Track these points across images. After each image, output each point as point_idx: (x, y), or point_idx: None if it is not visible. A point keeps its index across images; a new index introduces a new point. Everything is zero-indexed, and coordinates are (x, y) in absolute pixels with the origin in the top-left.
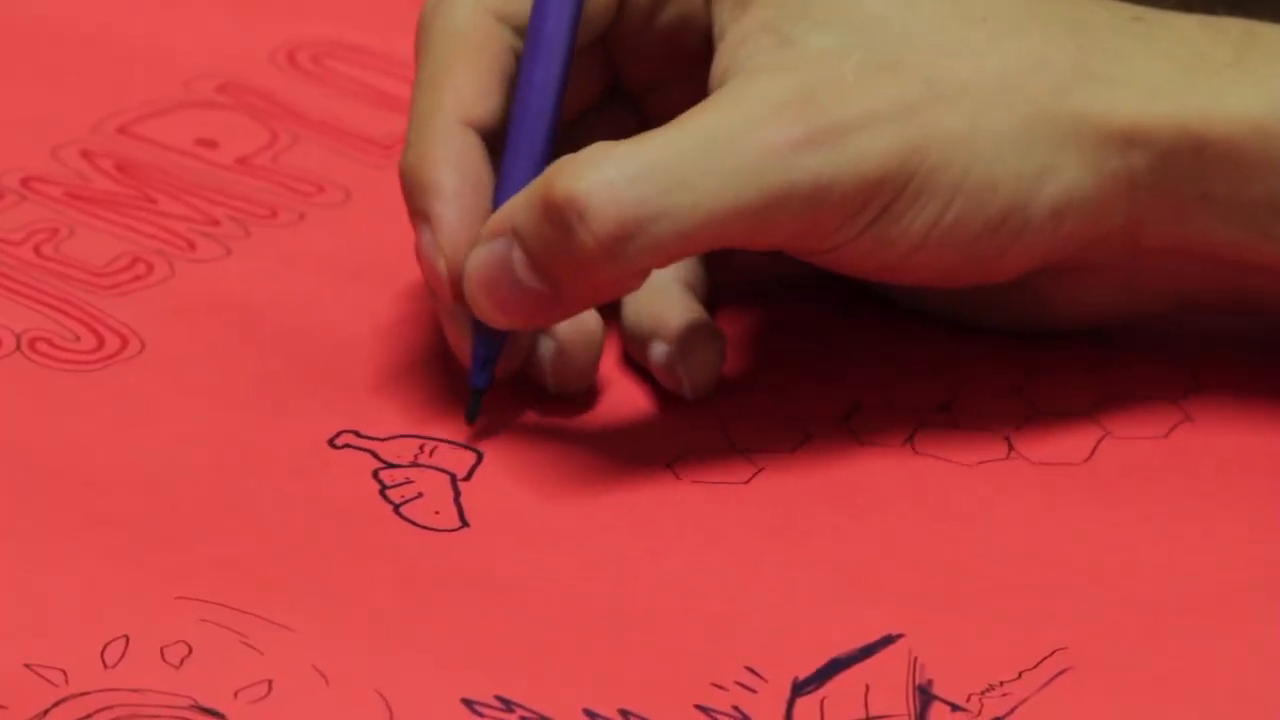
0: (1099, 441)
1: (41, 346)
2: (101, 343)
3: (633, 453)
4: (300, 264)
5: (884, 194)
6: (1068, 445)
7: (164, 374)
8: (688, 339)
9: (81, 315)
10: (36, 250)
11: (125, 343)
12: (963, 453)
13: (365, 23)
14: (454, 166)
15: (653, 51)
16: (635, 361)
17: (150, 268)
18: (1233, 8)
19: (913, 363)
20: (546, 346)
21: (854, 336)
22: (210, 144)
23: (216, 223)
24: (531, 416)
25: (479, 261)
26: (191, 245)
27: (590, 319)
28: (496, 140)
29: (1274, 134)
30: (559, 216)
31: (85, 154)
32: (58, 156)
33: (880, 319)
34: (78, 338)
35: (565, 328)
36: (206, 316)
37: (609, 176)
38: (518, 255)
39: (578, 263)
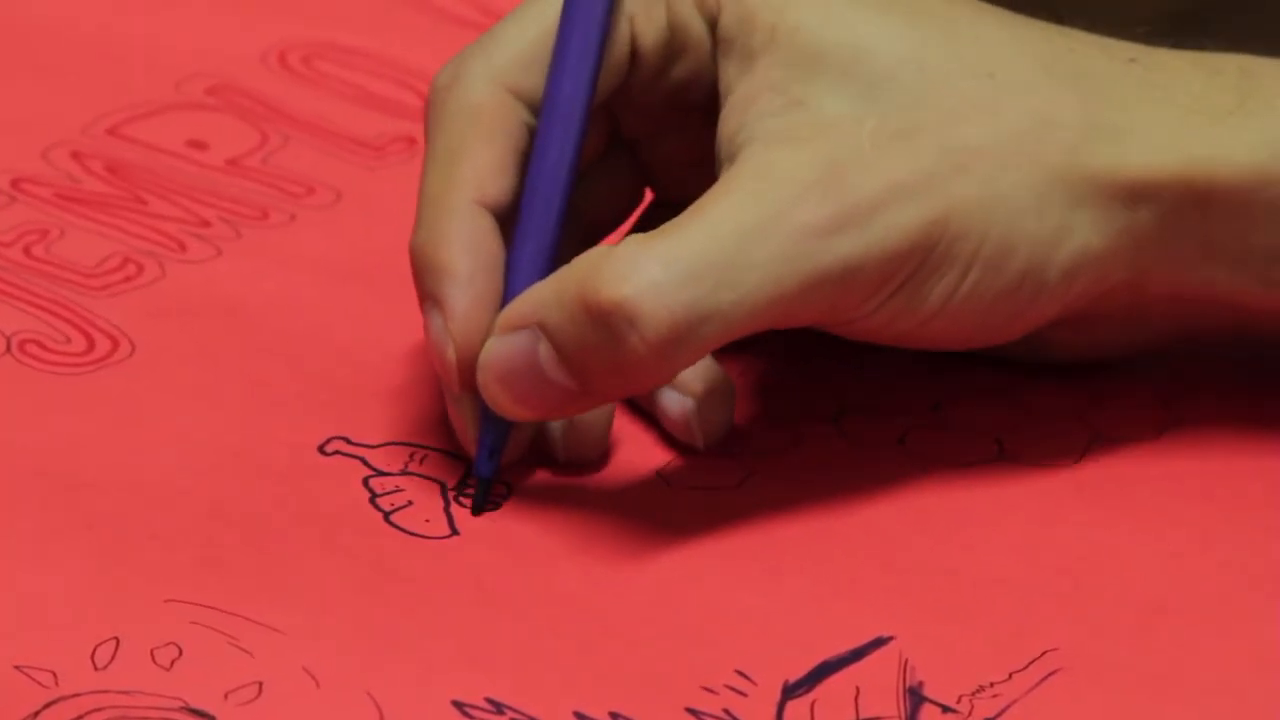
0: (1089, 443)
1: (31, 349)
2: (92, 345)
3: (622, 458)
4: (291, 265)
5: (908, 267)
6: (1058, 447)
7: (154, 376)
8: (702, 392)
9: (72, 317)
10: (27, 251)
11: (116, 345)
12: (953, 454)
13: (356, 24)
14: (467, 249)
15: (657, 105)
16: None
17: (141, 269)
18: (1224, 42)
19: (904, 363)
20: (556, 422)
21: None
22: (201, 145)
23: (207, 224)
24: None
25: (498, 354)
26: (182, 246)
27: None
28: (509, 217)
29: (1277, 182)
30: (604, 321)
31: (75, 155)
32: (48, 158)
33: None
34: (68, 339)
35: None
36: (197, 318)
37: (655, 279)
38: (545, 351)
39: (624, 365)
